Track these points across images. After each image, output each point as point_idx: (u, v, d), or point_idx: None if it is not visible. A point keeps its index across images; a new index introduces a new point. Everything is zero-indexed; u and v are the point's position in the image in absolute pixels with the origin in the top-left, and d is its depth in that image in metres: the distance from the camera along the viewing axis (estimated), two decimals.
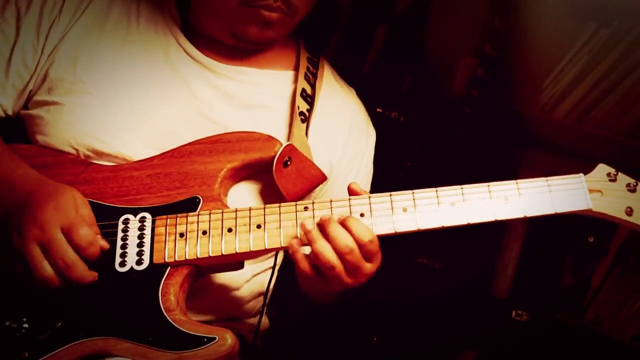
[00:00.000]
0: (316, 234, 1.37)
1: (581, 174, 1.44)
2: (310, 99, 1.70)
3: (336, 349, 2.35)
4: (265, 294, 1.69)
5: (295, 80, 1.72)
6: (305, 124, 1.66)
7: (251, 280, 1.68)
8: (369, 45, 2.44)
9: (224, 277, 1.60)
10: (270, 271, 1.70)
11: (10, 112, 1.63)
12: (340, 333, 2.36)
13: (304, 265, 1.37)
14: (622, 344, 2.32)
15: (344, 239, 1.34)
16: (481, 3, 2.37)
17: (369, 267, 1.39)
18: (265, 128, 1.60)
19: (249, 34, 1.60)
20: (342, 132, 1.75)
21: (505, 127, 2.36)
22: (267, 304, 1.73)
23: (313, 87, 1.73)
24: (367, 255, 1.37)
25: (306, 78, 1.72)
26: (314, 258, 1.36)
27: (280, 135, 1.63)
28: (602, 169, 1.45)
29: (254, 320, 1.76)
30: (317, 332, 2.32)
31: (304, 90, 1.70)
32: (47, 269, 1.34)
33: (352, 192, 1.45)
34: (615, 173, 1.44)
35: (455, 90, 2.40)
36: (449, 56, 2.42)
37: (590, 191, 1.42)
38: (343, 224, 1.37)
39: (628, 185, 1.42)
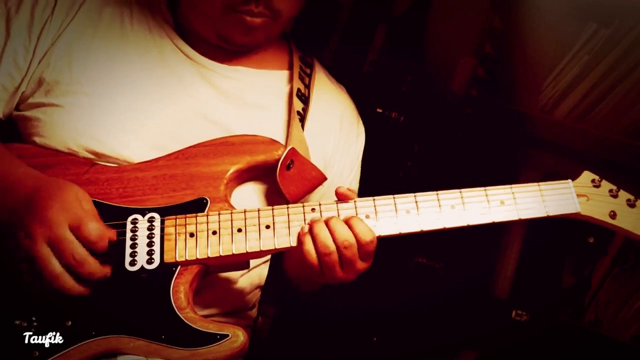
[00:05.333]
0: (320, 221, 1.43)
1: (569, 180, 1.52)
2: (305, 98, 1.71)
3: (336, 349, 2.36)
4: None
5: (291, 80, 1.73)
6: (301, 123, 1.68)
7: (249, 273, 1.68)
8: (369, 45, 2.44)
9: (222, 273, 1.60)
10: (268, 263, 1.72)
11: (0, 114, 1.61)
12: (340, 333, 2.36)
13: (309, 246, 1.41)
14: (622, 344, 2.33)
15: (344, 233, 1.40)
16: (481, 3, 2.37)
17: (361, 265, 1.44)
18: (263, 127, 1.61)
19: (234, 38, 1.60)
20: (333, 129, 1.76)
21: (505, 127, 2.37)
22: (266, 301, 1.75)
23: (307, 87, 1.74)
24: (364, 254, 1.43)
25: (300, 78, 1.74)
26: (314, 240, 1.41)
27: (279, 134, 1.64)
28: (587, 176, 1.54)
29: (252, 313, 1.77)
30: (317, 332, 2.32)
31: (299, 90, 1.71)
32: (57, 267, 1.33)
33: (339, 195, 1.49)
34: (599, 180, 1.52)
35: (455, 90, 2.40)
36: (449, 56, 2.42)
37: (578, 196, 1.50)
38: (347, 222, 1.43)
39: (610, 191, 1.51)
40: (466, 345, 2.42)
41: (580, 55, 2.27)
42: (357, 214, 1.46)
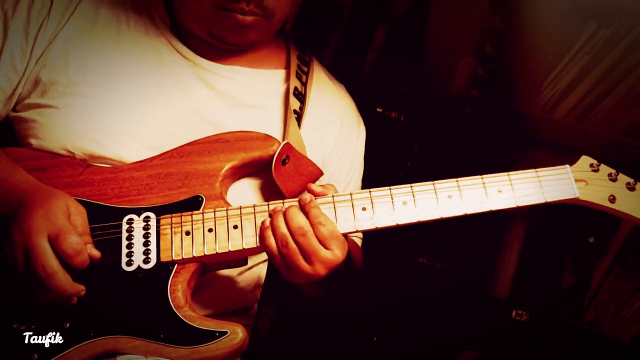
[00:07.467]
0: (279, 213, 1.42)
1: (567, 165, 1.49)
2: (302, 97, 1.71)
3: (336, 349, 2.36)
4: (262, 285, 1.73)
5: (287, 79, 1.72)
6: (298, 122, 1.67)
7: (248, 272, 1.69)
8: (369, 45, 2.44)
9: (221, 271, 1.61)
10: (267, 262, 1.72)
11: None
12: (340, 333, 2.36)
13: (271, 240, 1.41)
14: (622, 344, 2.32)
15: (298, 220, 1.40)
16: (481, 3, 2.37)
17: (326, 254, 1.41)
18: (260, 127, 1.61)
19: (226, 37, 1.60)
20: (333, 128, 1.76)
21: (505, 127, 2.37)
22: (265, 301, 1.74)
23: (305, 85, 1.73)
24: (322, 239, 1.41)
25: (297, 76, 1.73)
26: (273, 232, 1.41)
27: (276, 133, 1.63)
28: (585, 160, 1.51)
29: (252, 313, 1.78)
30: (317, 332, 2.33)
31: (296, 88, 1.70)
32: (22, 277, 1.33)
33: (310, 192, 1.49)
34: (597, 164, 1.50)
35: (455, 90, 2.40)
36: (449, 56, 2.42)
37: (576, 181, 1.47)
38: (303, 208, 1.42)
39: (609, 175, 1.49)
40: (466, 345, 2.42)
41: (580, 55, 2.26)
42: (353, 206, 1.45)
